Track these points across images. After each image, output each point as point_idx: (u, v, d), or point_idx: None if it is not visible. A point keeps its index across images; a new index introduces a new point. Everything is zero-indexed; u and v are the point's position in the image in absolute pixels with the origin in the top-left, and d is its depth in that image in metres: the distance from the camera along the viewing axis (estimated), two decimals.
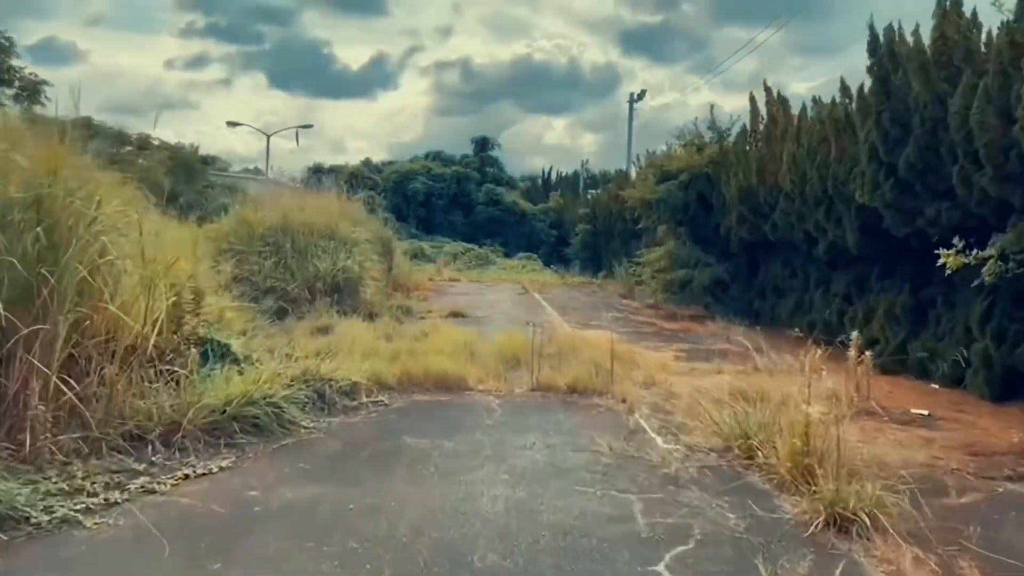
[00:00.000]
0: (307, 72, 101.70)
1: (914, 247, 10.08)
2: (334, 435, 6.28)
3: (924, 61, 8.46)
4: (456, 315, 15.85)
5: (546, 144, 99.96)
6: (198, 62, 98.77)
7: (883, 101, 8.69)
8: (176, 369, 5.93)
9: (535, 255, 43.45)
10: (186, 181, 31.24)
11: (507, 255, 43.50)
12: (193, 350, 6.75)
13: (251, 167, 53.98)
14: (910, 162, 8.39)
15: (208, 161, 42.58)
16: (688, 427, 6.72)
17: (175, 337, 6.51)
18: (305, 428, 6.30)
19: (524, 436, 6.46)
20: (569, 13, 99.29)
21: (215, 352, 6.95)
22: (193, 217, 20.10)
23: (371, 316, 14.18)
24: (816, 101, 12.81)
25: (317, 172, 52.99)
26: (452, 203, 48.76)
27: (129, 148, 28.85)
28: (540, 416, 7.26)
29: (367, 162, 54.22)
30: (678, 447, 6.16)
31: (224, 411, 5.86)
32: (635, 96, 36.78)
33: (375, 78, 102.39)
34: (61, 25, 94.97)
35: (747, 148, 14.85)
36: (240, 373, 6.43)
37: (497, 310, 17.48)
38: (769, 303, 15.47)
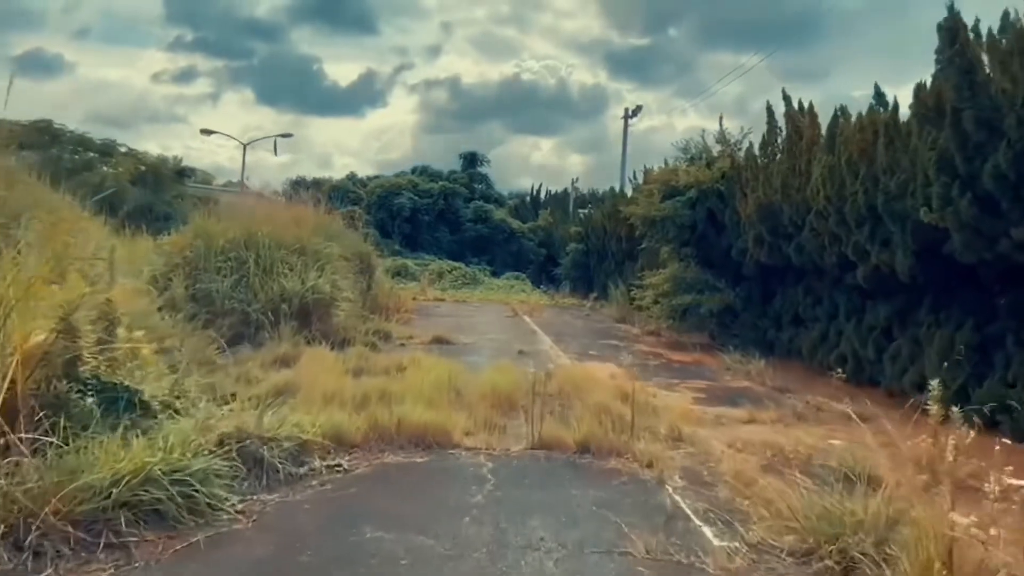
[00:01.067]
0: (295, 88, 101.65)
1: (980, 275, 8.57)
2: (266, 525, 4.58)
3: None
4: (439, 342, 14.19)
5: (533, 164, 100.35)
6: (185, 76, 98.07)
7: (966, 99, 7.19)
8: (39, 437, 4.22)
9: (523, 275, 41.88)
10: (155, 191, 29.56)
11: (495, 274, 41.90)
12: (89, 400, 5.08)
13: (235, 180, 52.39)
14: (999, 172, 6.88)
15: (188, 173, 40.92)
16: (743, 510, 5.09)
17: (58, 385, 4.83)
18: (228, 515, 4.60)
19: (527, 524, 4.80)
20: (558, 35, 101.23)
21: (121, 401, 5.27)
22: (154, 228, 18.44)
23: (343, 343, 12.52)
24: (842, 112, 11.37)
25: (299, 185, 51.76)
26: (439, 219, 47.14)
27: (92, 155, 27.14)
28: (546, 490, 5.60)
29: (352, 176, 52.55)
30: (738, 545, 4.53)
31: (109, 494, 4.17)
32: (630, 112, 35.53)
33: (364, 95, 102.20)
34: (48, 38, 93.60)
35: (765, 162, 13.38)
36: (142, 434, 4.74)
37: (485, 336, 15.85)
38: (786, 334, 13.94)
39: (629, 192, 27.90)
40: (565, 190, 59.10)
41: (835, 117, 11.36)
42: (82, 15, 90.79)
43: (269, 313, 12.14)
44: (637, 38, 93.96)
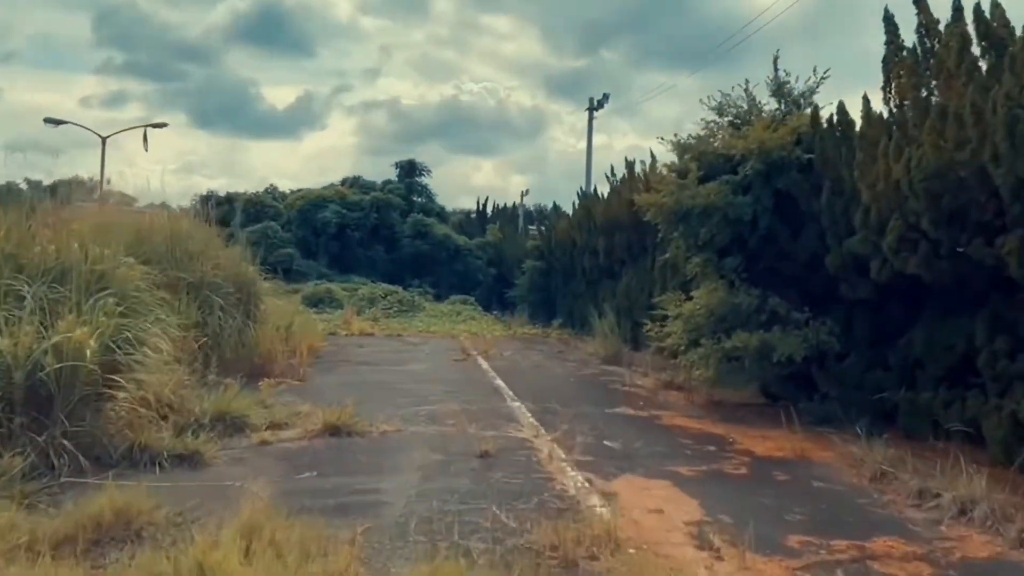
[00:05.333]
0: (231, 112, 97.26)
1: None
2: None
3: None
4: (335, 433, 7.78)
5: (475, 184, 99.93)
6: (116, 100, 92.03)
7: None
8: None
9: (471, 297, 35.59)
10: None
11: (438, 298, 35.46)
12: None
13: (156, 203, 45.17)
14: None
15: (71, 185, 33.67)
16: None
17: None
18: None
19: None
20: (497, 58, 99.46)
21: None
22: None
23: (121, 460, 6.21)
24: None
25: (208, 200, 44.52)
26: (372, 236, 40.44)
27: None
28: None
29: (271, 189, 45.52)
30: None
31: None
32: (595, 102, 29.76)
33: (302, 118, 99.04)
34: None
35: (929, 98, 7.46)
36: None
37: (420, 407, 9.52)
38: (927, 397, 8.09)
39: (603, 193, 22.05)
40: (514, 204, 53.39)
41: None
42: (8, 40, 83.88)
43: None
44: (573, 60, 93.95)
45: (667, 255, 11.76)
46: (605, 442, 7.93)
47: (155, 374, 7.20)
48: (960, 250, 6.83)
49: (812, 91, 10.70)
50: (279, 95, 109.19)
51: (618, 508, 5.45)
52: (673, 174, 11.03)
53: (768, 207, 9.82)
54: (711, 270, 11.08)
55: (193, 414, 7.50)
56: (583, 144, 30.39)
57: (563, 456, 7.12)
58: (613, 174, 21.34)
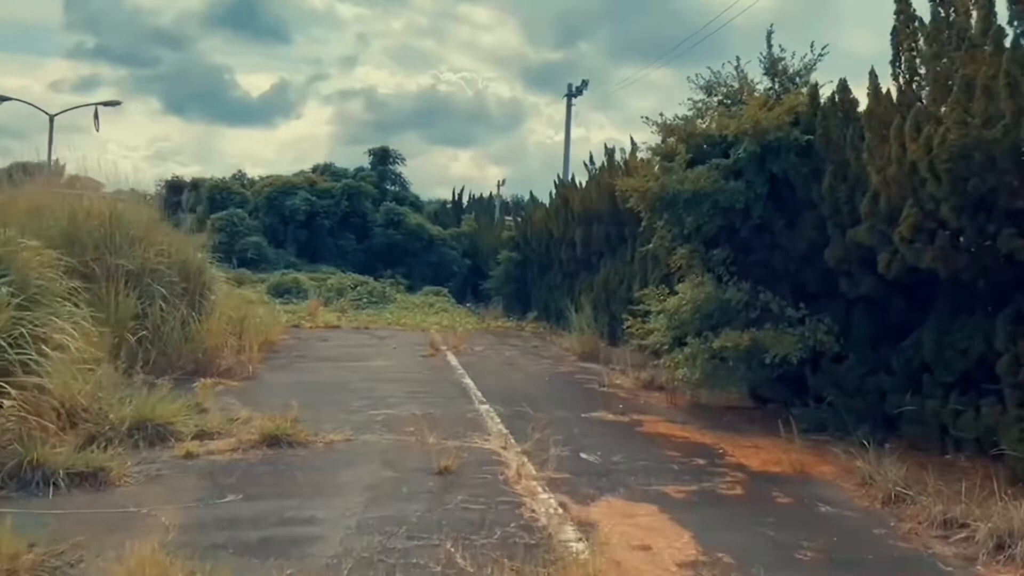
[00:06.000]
0: (205, 98, 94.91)
1: None
2: None
3: None
4: (273, 444, 6.79)
5: (452, 175, 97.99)
6: (87, 84, 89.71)
7: None
8: None
9: (444, 289, 34.53)
10: None
11: (410, 289, 34.32)
12: None
13: (125, 189, 43.52)
14: None
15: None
16: None
17: None
18: None
19: None
20: (475, 48, 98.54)
21: None
22: None
23: None
24: None
25: (174, 186, 42.93)
26: (342, 225, 39.12)
27: None
28: None
29: (239, 175, 43.96)
30: None
31: None
32: (574, 88, 28.79)
33: (277, 106, 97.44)
34: None
35: (952, 66, 6.60)
36: None
37: (377, 411, 8.55)
38: (935, 405, 7.32)
39: (581, 182, 21.14)
40: (491, 194, 52.40)
41: None
42: None
43: None
44: (550, 52, 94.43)
45: (650, 245, 10.86)
46: (582, 455, 7.04)
47: (61, 376, 6.19)
48: (987, 242, 6.00)
49: (810, 68, 9.85)
50: (254, 82, 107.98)
51: (597, 543, 4.55)
52: (658, 158, 10.15)
53: (762, 194, 8.95)
54: (697, 262, 10.23)
55: (108, 422, 6.48)
56: (561, 136, 29.65)
57: (534, 473, 6.22)
58: (592, 161, 20.44)
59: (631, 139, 17.43)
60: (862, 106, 8.10)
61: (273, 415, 7.38)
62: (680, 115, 10.24)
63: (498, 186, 48.65)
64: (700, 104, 10.25)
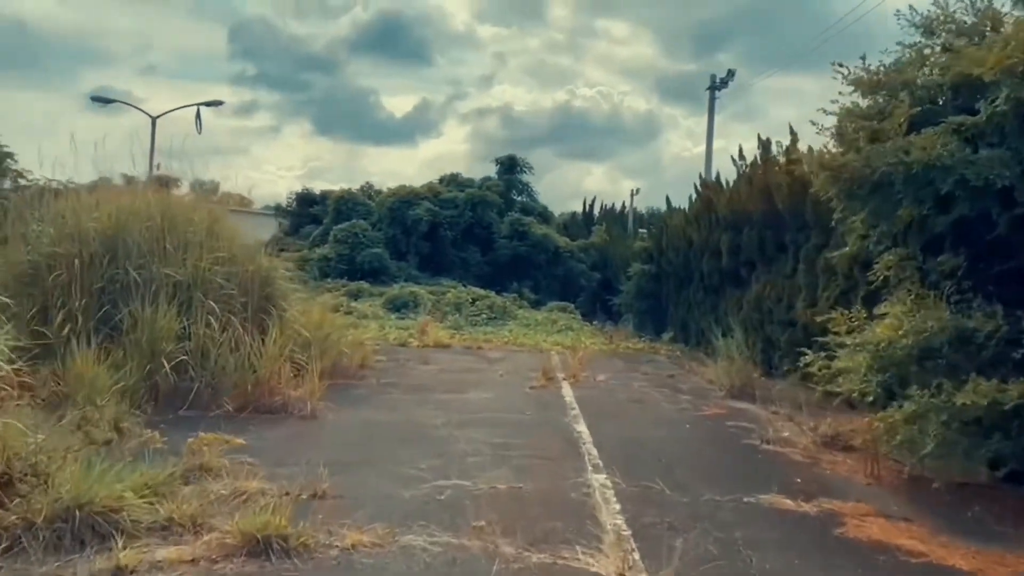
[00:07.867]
0: (352, 119, 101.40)
1: None
2: None
3: None
4: (256, 550, 4.44)
5: (585, 189, 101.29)
6: (247, 109, 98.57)
7: None
8: None
9: (572, 305, 31.95)
10: None
11: (537, 304, 31.96)
12: None
13: (272, 204, 45.23)
14: None
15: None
16: None
17: None
18: None
19: None
20: (611, 62, 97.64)
21: None
22: None
23: None
24: None
25: (304, 199, 43.11)
26: (466, 236, 37.48)
27: None
28: None
29: (366, 187, 43.47)
30: None
31: None
32: (717, 80, 25.48)
33: (418, 125, 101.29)
34: (117, 74, 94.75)
35: None
36: None
37: (446, 483, 6.05)
38: None
39: (727, 181, 17.94)
40: (623, 205, 49.52)
41: None
42: (150, 53, 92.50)
43: None
44: (687, 63, 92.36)
45: (844, 250, 7.74)
46: None
47: None
48: None
49: None
50: (397, 103, 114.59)
51: None
52: (852, 125, 7.07)
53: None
54: (912, 273, 7.07)
55: (27, 508, 4.36)
56: (698, 148, 26.50)
57: None
58: (742, 156, 17.21)
59: (790, 128, 14.15)
60: None
61: (292, 486, 5.07)
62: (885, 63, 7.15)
63: (632, 195, 45.75)
64: (917, 47, 7.10)
